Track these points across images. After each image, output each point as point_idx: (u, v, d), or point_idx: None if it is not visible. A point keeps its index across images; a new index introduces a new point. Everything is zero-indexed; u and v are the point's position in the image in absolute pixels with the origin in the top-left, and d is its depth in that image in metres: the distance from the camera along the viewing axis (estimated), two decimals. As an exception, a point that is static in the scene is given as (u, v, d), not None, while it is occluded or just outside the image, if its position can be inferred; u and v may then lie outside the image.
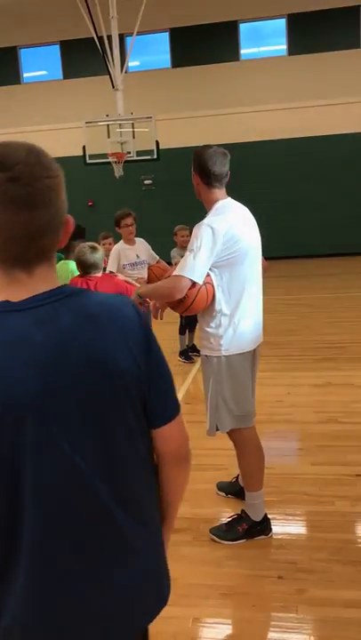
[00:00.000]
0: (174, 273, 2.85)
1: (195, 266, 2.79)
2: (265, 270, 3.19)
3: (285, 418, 4.94)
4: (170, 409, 1.34)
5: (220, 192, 3.00)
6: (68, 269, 4.69)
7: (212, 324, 2.96)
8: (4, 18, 17.05)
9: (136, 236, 5.86)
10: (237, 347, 2.96)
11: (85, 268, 3.93)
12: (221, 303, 2.92)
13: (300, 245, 16.70)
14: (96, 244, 4.11)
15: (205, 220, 2.91)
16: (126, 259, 5.65)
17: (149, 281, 5.72)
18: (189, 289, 2.80)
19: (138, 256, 5.72)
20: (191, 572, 2.93)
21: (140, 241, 5.85)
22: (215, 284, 2.90)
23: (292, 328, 8.16)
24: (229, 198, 3.04)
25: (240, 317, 2.95)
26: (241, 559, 3.01)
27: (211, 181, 2.96)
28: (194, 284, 2.80)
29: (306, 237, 16.97)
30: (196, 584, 2.84)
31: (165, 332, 7.43)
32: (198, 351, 7.11)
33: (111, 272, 5.57)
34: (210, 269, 2.86)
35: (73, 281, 4.04)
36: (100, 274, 3.99)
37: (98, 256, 3.92)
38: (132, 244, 5.76)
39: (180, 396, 5.74)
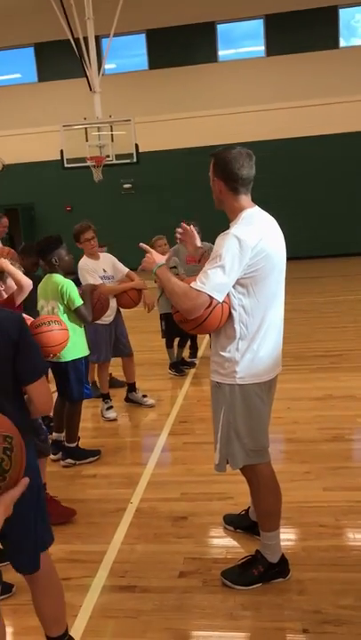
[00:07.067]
0: (194, 285, 2.50)
1: (218, 282, 2.46)
2: None
3: (289, 437, 4.65)
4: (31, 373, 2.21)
5: (246, 199, 2.66)
6: (56, 282, 4.35)
7: (229, 349, 2.63)
8: (-24, 20, 16.60)
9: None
10: (254, 375, 2.64)
11: None
12: (241, 325, 2.60)
13: (289, 247, 16.49)
14: None
15: (232, 230, 2.55)
16: (92, 275, 5.19)
17: (124, 306, 5.37)
18: (205, 307, 2.49)
19: (104, 270, 5.34)
20: (204, 627, 2.61)
21: (104, 255, 5.48)
22: (235, 303, 2.57)
23: (285, 336, 7.85)
24: (257, 207, 2.70)
25: (260, 343, 2.63)
26: (258, 609, 2.69)
27: (238, 187, 2.61)
28: (211, 301, 2.49)
29: (295, 239, 16.77)
30: (210, 642, 2.52)
31: (156, 340, 7.12)
32: (189, 364, 6.87)
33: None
34: (232, 287, 2.54)
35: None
36: None
37: None
38: (96, 258, 5.36)
39: (173, 413, 5.43)
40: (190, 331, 2.68)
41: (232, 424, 2.67)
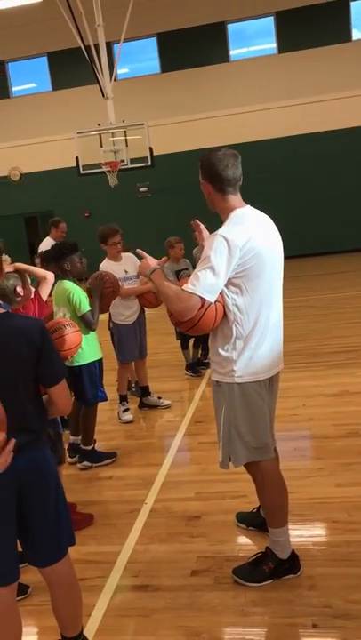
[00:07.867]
0: (185, 288, 2.55)
1: (209, 283, 2.50)
2: None
3: (304, 433, 4.66)
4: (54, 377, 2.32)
5: (235, 199, 2.69)
6: (64, 288, 4.41)
7: (226, 348, 2.66)
8: (-10, 32, 16.84)
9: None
10: (253, 373, 2.66)
11: None
12: (236, 325, 2.62)
13: (301, 244, 16.41)
14: None
15: (220, 230, 2.59)
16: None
17: (145, 306, 5.43)
18: (198, 309, 2.52)
19: (126, 271, 5.38)
20: (215, 624, 2.64)
21: (126, 256, 5.53)
22: (229, 303, 2.61)
23: (300, 333, 7.83)
24: (248, 206, 2.73)
25: (258, 341, 2.65)
26: (269, 605, 2.71)
27: (224, 187, 2.65)
28: (203, 302, 2.52)
29: (306, 235, 16.68)
30: (221, 639, 2.55)
31: (172, 342, 7.15)
32: (205, 364, 6.88)
33: None
34: (224, 286, 2.57)
35: None
36: None
37: None
38: (118, 260, 5.43)
39: (189, 413, 5.46)
40: (186, 331, 2.72)
41: (233, 422, 2.70)
